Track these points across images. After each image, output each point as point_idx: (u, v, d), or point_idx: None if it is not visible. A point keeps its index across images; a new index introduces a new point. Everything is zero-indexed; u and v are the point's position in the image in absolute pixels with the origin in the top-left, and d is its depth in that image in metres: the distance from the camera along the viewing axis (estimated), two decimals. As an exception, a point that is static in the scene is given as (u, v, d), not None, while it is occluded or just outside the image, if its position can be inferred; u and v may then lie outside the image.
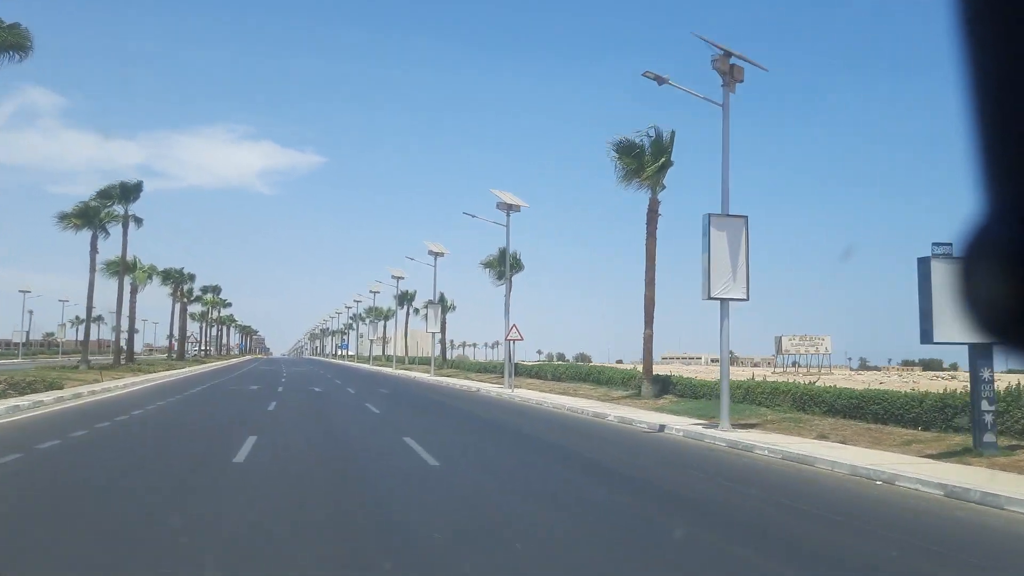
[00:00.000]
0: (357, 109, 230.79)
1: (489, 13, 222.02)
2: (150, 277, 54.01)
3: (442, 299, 55.91)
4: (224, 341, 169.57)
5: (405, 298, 78.45)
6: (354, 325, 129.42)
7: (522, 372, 44.57)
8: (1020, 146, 0.76)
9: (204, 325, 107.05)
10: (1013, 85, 0.76)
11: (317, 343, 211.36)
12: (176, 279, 72.18)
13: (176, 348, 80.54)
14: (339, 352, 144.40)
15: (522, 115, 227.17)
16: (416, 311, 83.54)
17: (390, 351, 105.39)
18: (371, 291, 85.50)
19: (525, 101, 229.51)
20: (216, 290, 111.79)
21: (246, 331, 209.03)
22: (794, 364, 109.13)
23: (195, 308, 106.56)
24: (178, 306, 77.64)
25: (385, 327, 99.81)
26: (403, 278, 69.04)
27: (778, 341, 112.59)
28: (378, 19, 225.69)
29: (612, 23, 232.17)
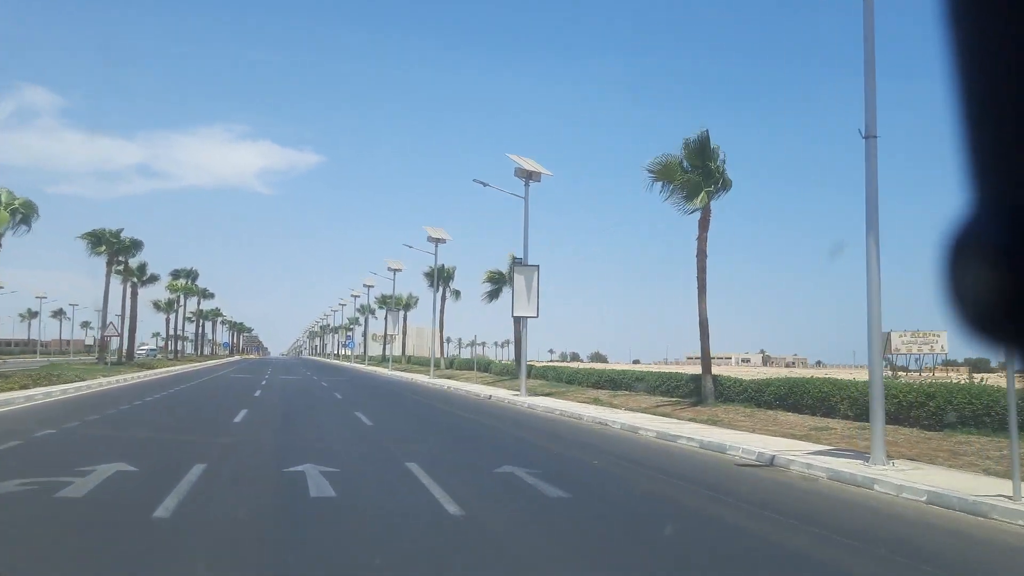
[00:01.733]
0: (356, 108, 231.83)
1: (489, 13, 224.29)
2: (25, 223, 30.82)
3: (515, 263, 32.83)
4: (212, 338, 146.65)
5: (441, 275, 55.02)
6: (361, 319, 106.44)
7: (744, 392, 21.62)
8: (1006, 141, 0.76)
9: (174, 317, 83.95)
10: (1000, 80, 0.76)
11: (317, 341, 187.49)
12: (110, 243, 49.05)
13: (117, 346, 57.36)
14: (342, 351, 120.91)
15: (522, 115, 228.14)
16: (456, 294, 60.31)
17: (396, 350, 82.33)
18: (390, 268, 62.56)
19: (525, 101, 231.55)
20: (191, 275, 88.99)
21: (238, 328, 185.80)
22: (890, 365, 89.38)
23: (160, 295, 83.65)
24: (122, 288, 54.68)
25: (405, 318, 76.77)
26: (445, 241, 46.09)
27: (887, 338, 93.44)
28: (378, 19, 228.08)
29: (612, 22, 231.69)
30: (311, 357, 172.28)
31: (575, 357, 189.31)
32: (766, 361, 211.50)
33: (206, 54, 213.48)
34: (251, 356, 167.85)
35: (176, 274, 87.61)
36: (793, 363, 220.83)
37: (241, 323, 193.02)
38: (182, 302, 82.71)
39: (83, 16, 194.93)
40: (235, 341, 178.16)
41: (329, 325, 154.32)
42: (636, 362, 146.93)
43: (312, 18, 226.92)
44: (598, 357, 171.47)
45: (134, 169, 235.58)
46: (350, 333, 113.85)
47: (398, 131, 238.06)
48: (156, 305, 79.40)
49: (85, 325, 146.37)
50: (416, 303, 78.31)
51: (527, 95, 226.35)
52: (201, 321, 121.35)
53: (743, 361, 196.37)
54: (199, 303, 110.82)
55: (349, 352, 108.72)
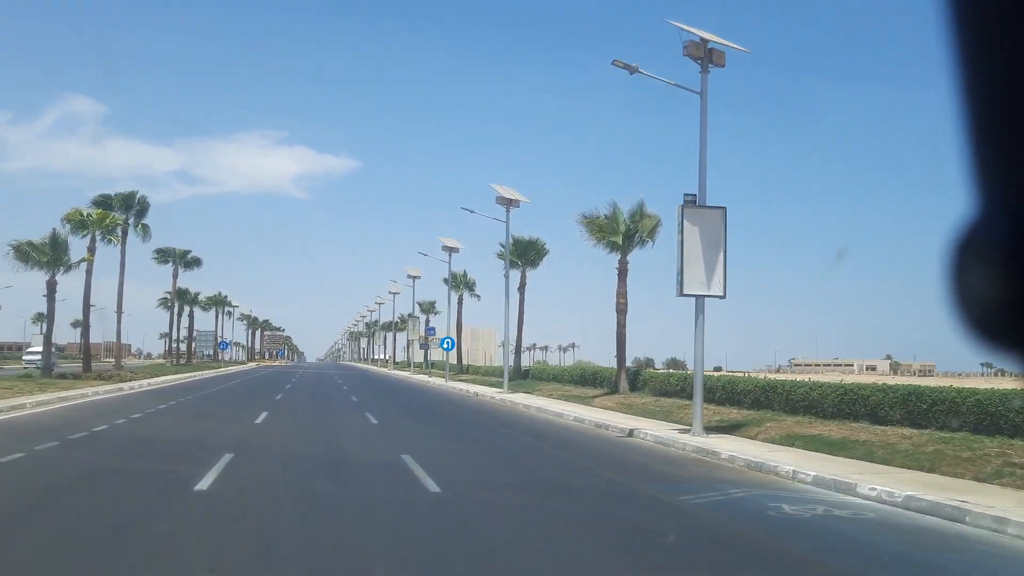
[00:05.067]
0: (392, 113, 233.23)
1: (524, 22, 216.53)
2: None
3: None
4: (218, 336, 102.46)
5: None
6: (437, 304, 60.08)
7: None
8: (1012, 146, 0.76)
9: (85, 288, 38.37)
10: (1005, 86, 0.76)
11: (364, 344, 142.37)
12: None
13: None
14: (413, 358, 72.91)
15: (552, 118, 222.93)
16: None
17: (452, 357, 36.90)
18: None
19: (555, 106, 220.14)
20: (131, 205, 44.42)
21: (261, 326, 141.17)
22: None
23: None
24: None
25: (509, 304, 30.69)
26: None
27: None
28: (414, 25, 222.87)
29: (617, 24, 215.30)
30: (353, 364, 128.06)
31: (648, 363, 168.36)
32: (895, 369, 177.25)
33: (244, 61, 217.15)
34: (276, 363, 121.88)
35: (104, 202, 42.99)
36: (923, 371, 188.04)
37: (267, 320, 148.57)
38: (94, 250, 37.43)
39: (124, 26, 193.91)
40: (254, 341, 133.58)
41: (378, 321, 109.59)
42: (717, 369, 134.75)
43: (349, 26, 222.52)
44: (675, 364, 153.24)
45: (174, 175, 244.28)
46: (426, 322, 68.53)
47: (433, 135, 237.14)
48: (20, 253, 34.10)
49: (76, 324, 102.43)
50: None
51: (561, 101, 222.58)
52: (187, 308, 76.66)
53: (868, 369, 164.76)
54: (175, 274, 65.93)
55: (429, 356, 62.87)
